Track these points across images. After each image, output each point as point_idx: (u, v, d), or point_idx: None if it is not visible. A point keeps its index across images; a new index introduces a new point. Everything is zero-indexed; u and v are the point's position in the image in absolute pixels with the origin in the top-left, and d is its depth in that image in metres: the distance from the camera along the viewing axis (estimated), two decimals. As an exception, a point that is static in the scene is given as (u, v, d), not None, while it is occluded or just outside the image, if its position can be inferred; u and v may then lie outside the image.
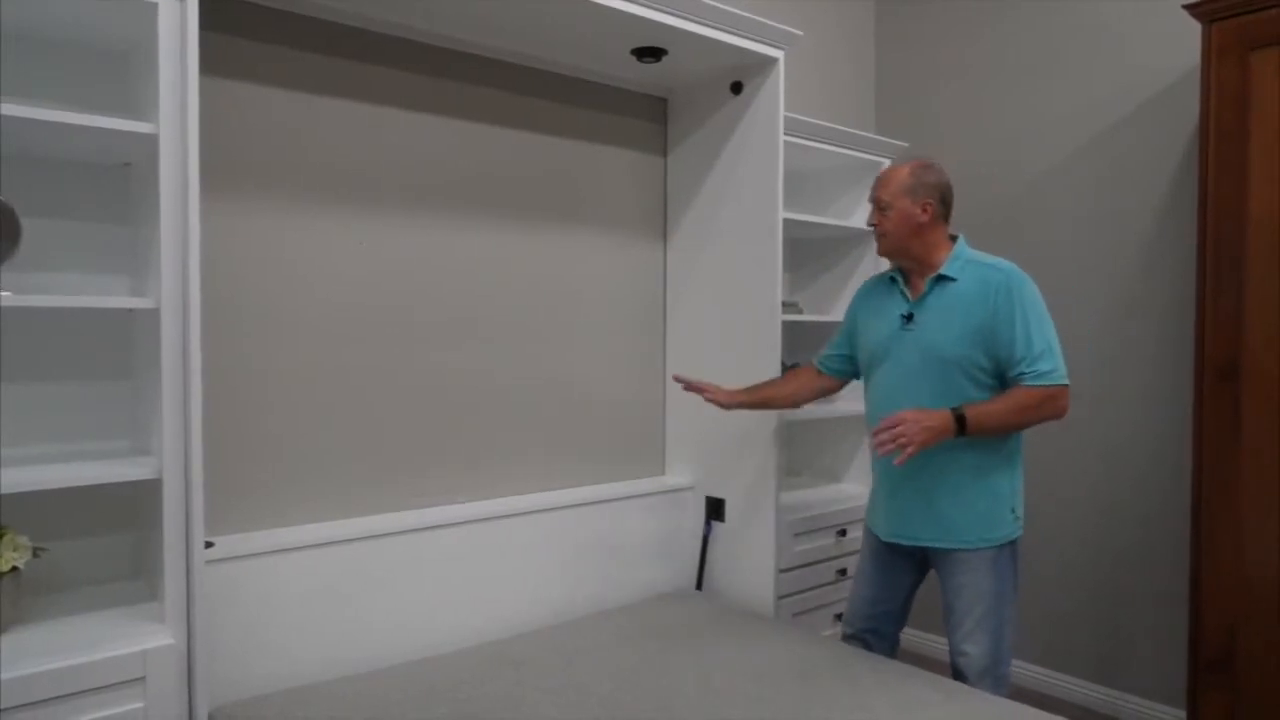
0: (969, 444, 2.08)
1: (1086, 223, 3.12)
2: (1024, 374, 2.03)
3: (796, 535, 2.80)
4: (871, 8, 3.76)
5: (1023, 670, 3.31)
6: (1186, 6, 2.45)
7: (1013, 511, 2.16)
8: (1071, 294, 3.16)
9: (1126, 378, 3.03)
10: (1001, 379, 2.10)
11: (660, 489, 2.81)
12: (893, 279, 2.26)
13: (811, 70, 3.45)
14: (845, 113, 3.62)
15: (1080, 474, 3.15)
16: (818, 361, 2.48)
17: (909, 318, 2.17)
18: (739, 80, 2.66)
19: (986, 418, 2.03)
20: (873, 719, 1.85)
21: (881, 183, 2.20)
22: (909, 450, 1.96)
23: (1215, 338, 2.40)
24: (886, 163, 3.20)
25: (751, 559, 2.66)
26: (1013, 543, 2.16)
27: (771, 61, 2.56)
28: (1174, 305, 2.89)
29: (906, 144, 3.30)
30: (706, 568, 2.81)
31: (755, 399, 2.45)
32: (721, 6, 2.35)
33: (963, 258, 2.16)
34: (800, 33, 2.57)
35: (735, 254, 2.69)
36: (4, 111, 1.51)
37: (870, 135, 3.15)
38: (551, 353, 2.67)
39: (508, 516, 2.43)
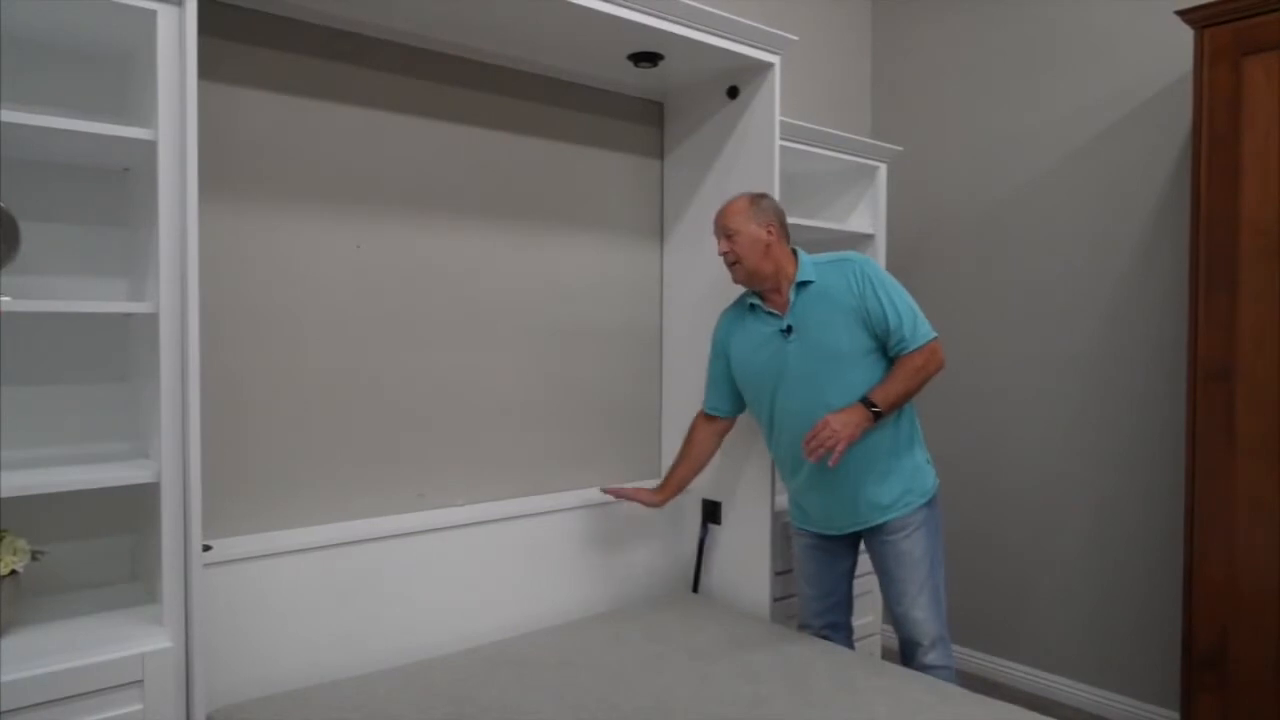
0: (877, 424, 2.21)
1: (1080, 226, 3.14)
2: (903, 341, 2.19)
3: (792, 538, 2.81)
4: (868, 12, 3.78)
5: (1016, 672, 3.33)
6: (1179, 12, 2.47)
7: (928, 462, 2.35)
8: (1066, 296, 3.18)
9: (1120, 379, 3.04)
10: (884, 352, 2.24)
11: (657, 491, 2.82)
12: (751, 305, 2.36)
13: (808, 74, 3.47)
14: (841, 116, 3.64)
15: (1073, 474, 3.17)
16: (707, 409, 2.52)
17: (788, 330, 2.27)
18: (735, 85, 2.67)
19: (892, 396, 2.18)
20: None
21: (725, 214, 2.31)
22: (839, 449, 2.10)
23: (1208, 340, 2.42)
24: (883, 166, 3.22)
25: (747, 562, 2.67)
26: (935, 498, 2.33)
27: (767, 66, 2.57)
28: (1167, 308, 2.90)
29: (901, 148, 3.32)
30: (703, 570, 2.82)
31: (679, 484, 2.53)
32: (717, 12, 2.36)
33: (810, 263, 2.30)
34: (795, 38, 2.59)
35: (731, 257, 2.70)
36: (4, 118, 1.51)
37: (865, 139, 3.16)
38: (549, 356, 2.68)
39: (505, 519, 2.45)
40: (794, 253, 2.33)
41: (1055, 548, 3.22)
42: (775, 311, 2.31)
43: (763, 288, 2.32)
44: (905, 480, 2.27)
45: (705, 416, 2.53)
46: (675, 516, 2.86)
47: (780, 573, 2.67)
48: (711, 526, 2.80)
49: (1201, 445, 2.44)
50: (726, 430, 2.54)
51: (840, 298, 2.22)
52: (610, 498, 2.53)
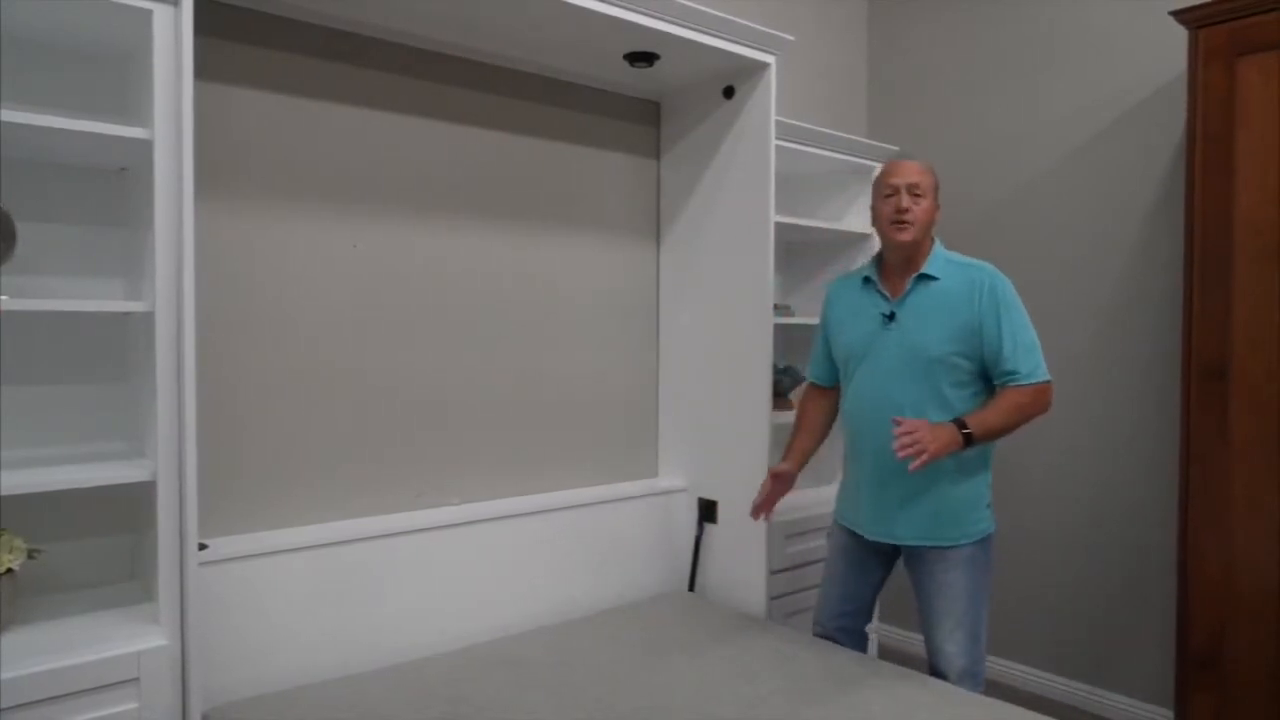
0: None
1: (1076, 225, 3.14)
2: (1012, 373, 2.09)
3: (788, 537, 2.82)
4: (864, 12, 3.78)
5: (1012, 670, 3.33)
6: (1174, 13, 2.48)
7: (988, 506, 2.23)
8: (1061, 296, 3.18)
9: (1116, 378, 3.05)
10: (980, 377, 2.15)
11: (653, 491, 2.83)
12: (866, 279, 2.30)
13: (804, 74, 3.47)
14: (837, 116, 3.64)
15: (1069, 474, 3.18)
16: (813, 378, 2.48)
17: (891, 316, 2.20)
18: (731, 85, 2.68)
19: (988, 427, 2.06)
20: (866, 719, 1.87)
21: (919, 171, 2.19)
22: (924, 459, 1.96)
23: (1203, 339, 2.43)
24: (878, 166, 3.22)
25: (744, 561, 2.68)
26: (989, 538, 2.22)
27: (763, 66, 2.58)
28: (1163, 306, 2.91)
29: (897, 148, 3.32)
30: (699, 569, 2.83)
31: (803, 453, 2.44)
32: (713, 12, 2.36)
33: (943, 258, 2.21)
34: (791, 38, 2.59)
35: (728, 257, 2.71)
36: (2, 117, 1.52)
37: (862, 139, 3.17)
38: (545, 355, 2.68)
39: (501, 518, 2.45)
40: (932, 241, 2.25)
41: (1051, 546, 3.23)
42: (887, 294, 2.23)
43: (898, 261, 2.22)
44: (958, 513, 2.17)
45: (812, 388, 2.48)
46: (671, 516, 2.86)
47: (776, 571, 2.68)
48: (708, 525, 2.80)
49: (1196, 444, 2.45)
50: (837, 400, 2.44)
51: (957, 304, 2.13)
52: (764, 516, 2.43)
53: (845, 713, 1.89)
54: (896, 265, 2.23)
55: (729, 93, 2.69)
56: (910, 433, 1.97)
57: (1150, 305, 2.95)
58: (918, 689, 2.02)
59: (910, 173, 2.18)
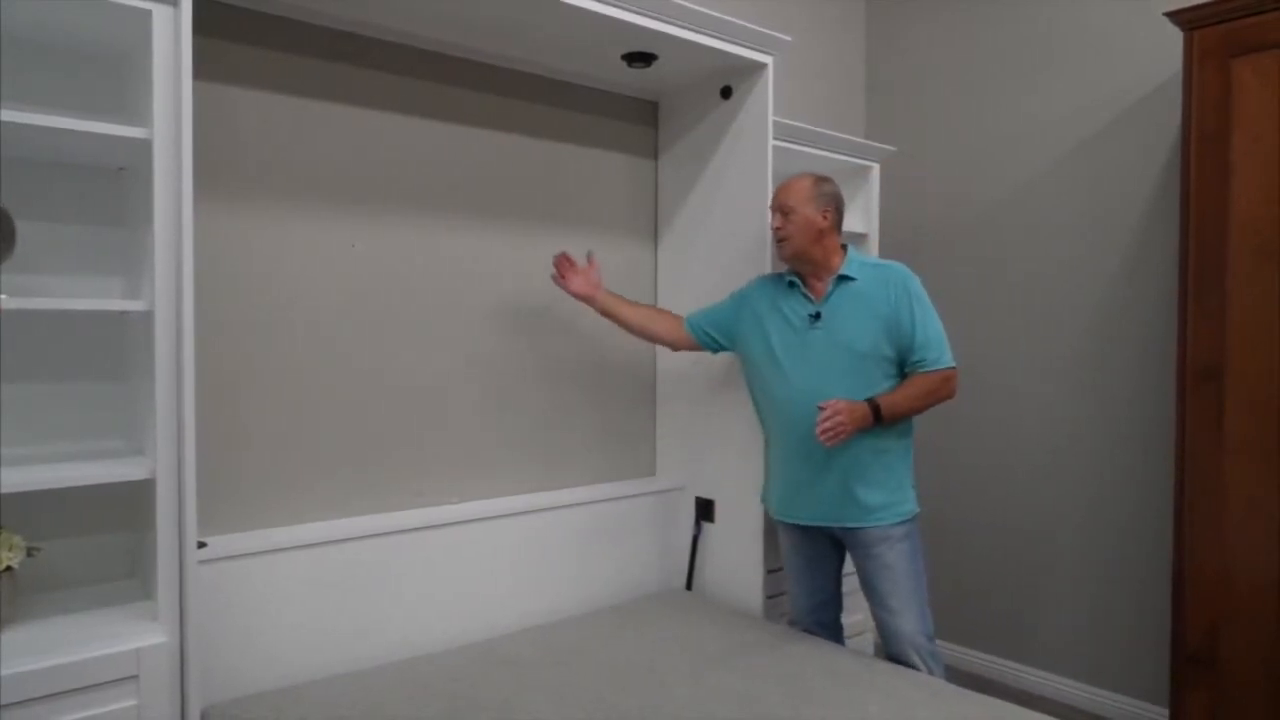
0: (877, 430, 2.24)
1: (1072, 226, 3.15)
2: (921, 361, 2.24)
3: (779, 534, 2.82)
4: (861, 12, 3.79)
5: (1008, 668, 3.34)
6: (1169, 14, 2.49)
7: (913, 488, 2.36)
8: (1057, 295, 3.19)
9: (1111, 378, 3.06)
10: (898, 365, 2.28)
11: (651, 490, 2.84)
12: (791, 282, 2.38)
13: (801, 74, 3.48)
14: (835, 116, 3.65)
15: (1065, 473, 3.18)
16: (687, 320, 2.57)
17: (816, 317, 2.30)
18: (729, 85, 2.69)
19: (896, 406, 2.22)
20: (864, 718, 1.88)
21: (785, 190, 2.33)
22: (841, 437, 2.14)
23: (1198, 338, 2.43)
24: (876, 166, 3.24)
25: (741, 559, 2.69)
26: (916, 517, 2.35)
27: (760, 66, 2.59)
28: (1159, 307, 2.92)
29: (894, 148, 3.33)
30: (696, 568, 2.83)
31: (614, 308, 2.53)
32: (711, 13, 2.37)
33: (857, 261, 2.34)
34: (789, 38, 2.60)
35: (725, 256, 2.72)
36: (2, 117, 1.52)
37: (859, 140, 3.17)
38: (544, 354, 2.69)
39: (499, 517, 2.46)
40: (844, 247, 2.36)
41: (1047, 545, 3.24)
42: (811, 296, 2.33)
43: (805, 271, 2.35)
44: (889, 493, 2.29)
45: (680, 318, 2.58)
46: (669, 514, 2.87)
47: (773, 570, 2.68)
48: (705, 524, 2.81)
49: (1191, 444, 2.46)
50: (682, 344, 2.58)
51: (875, 302, 2.25)
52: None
53: (843, 711, 1.90)
54: (810, 271, 2.34)
55: (726, 93, 2.70)
56: (834, 415, 2.13)
57: (1146, 305, 2.96)
58: (914, 686, 2.03)
59: (780, 193, 2.34)
